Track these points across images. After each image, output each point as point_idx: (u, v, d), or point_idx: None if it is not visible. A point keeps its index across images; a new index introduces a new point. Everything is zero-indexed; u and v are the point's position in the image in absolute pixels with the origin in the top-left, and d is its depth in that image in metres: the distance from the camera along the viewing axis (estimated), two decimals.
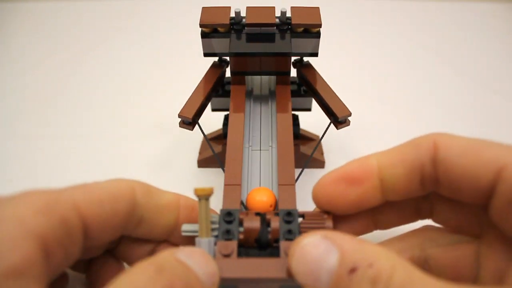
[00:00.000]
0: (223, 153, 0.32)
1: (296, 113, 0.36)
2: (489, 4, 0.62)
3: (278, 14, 0.30)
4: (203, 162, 0.38)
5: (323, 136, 0.31)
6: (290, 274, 0.18)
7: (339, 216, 0.23)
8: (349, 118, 0.30)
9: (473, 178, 0.19)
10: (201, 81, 0.32)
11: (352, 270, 0.16)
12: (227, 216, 0.21)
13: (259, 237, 0.21)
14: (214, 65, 0.33)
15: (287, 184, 0.24)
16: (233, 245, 0.20)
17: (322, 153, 0.38)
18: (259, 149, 0.29)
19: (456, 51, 0.54)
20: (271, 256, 0.20)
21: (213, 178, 0.37)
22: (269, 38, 0.30)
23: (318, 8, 0.30)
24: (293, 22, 0.29)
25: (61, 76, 0.49)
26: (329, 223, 0.22)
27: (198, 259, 0.18)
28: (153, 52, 0.54)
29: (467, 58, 0.52)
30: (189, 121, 0.29)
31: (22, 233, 0.17)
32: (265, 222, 0.21)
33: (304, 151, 0.36)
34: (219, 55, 0.32)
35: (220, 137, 0.37)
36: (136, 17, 0.61)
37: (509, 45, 0.55)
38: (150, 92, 0.47)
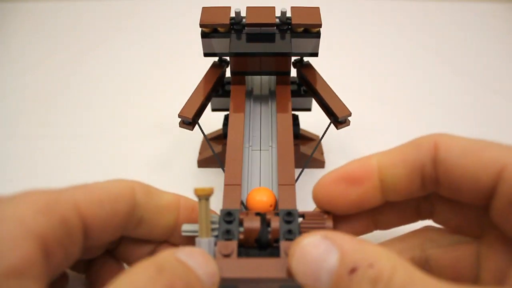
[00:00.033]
0: (223, 153, 0.31)
1: (296, 113, 0.36)
2: (489, 4, 0.62)
3: (278, 14, 0.30)
4: (203, 162, 0.38)
5: (323, 136, 0.31)
6: (290, 274, 0.18)
7: (339, 216, 0.23)
8: (349, 118, 0.30)
9: (473, 179, 0.19)
10: (201, 81, 0.32)
11: (352, 270, 0.16)
12: (227, 216, 0.21)
13: (259, 237, 0.21)
14: (214, 65, 0.33)
15: (287, 184, 0.24)
16: (233, 245, 0.20)
17: (322, 153, 0.38)
18: (259, 149, 0.29)
19: (456, 51, 0.54)
20: (271, 256, 0.20)
21: (213, 178, 0.37)
22: (269, 38, 0.30)
23: (318, 8, 0.30)
24: (293, 22, 0.29)
25: (61, 76, 0.49)
26: (329, 223, 0.22)
27: (198, 259, 0.18)
28: (153, 52, 0.54)
29: (467, 58, 0.52)
30: (189, 121, 0.29)
31: (22, 233, 0.17)
32: (265, 222, 0.21)
33: (304, 151, 0.36)
34: (219, 55, 0.32)
35: (220, 137, 0.37)
36: (136, 17, 0.61)
37: (509, 45, 0.55)
38: (150, 92, 0.47)
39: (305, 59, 0.33)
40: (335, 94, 0.30)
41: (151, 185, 0.23)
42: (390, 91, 0.47)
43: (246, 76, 0.32)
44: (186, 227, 0.22)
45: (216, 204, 0.23)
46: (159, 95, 0.46)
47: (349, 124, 0.30)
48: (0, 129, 0.42)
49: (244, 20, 0.30)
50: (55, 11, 0.61)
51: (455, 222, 0.23)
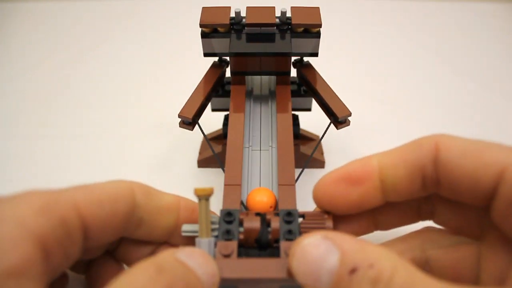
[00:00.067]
0: (223, 153, 0.31)
1: (296, 113, 0.36)
2: (489, 4, 0.62)
3: (278, 14, 0.30)
4: (203, 162, 0.37)
5: (323, 136, 0.31)
6: (290, 274, 0.18)
7: (340, 216, 0.23)
8: (349, 118, 0.30)
9: (474, 180, 0.19)
10: (201, 81, 0.32)
11: (353, 271, 0.16)
12: (227, 216, 0.21)
13: (259, 237, 0.21)
14: (214, 65, 0.33)
15: (287, 184, 0.24)
16: (233, 245, 0.20)
17: (322, 153, 0.38)
18: (259, 149, 0.29)
19: (456, 51, 0.54)
20: (271, 257, 0.20)
21: (213, 178, 0.37)
22: (269, 38, 0.30)
23: (318, 8, 0.30)
24: (293, 22, 0.29)
25: (61, 76, 0.49)
26: (330, 223, 0.22)
27: (198, 259, 0.18)
28: (153, 52, 0.54)
29: (467, 58, 0.52)
30: (189, 121, 0.29)
31: (21, 233, 0.17)
32: (265, 222, 0.21)
33: (304, 151, 0.36)
34: (219, 55, 0.32)
35: (220, 137, 0.37)
36: (136, 17, 0.61)
37: (509, 45, 0.55)
38: (150, 92, 0.47)
39: (305, 59, 0.33)
40: (335, 94, 0.30)
41: (151, 186, 0.23)
42: (390, 91, 0.47)
43: (246, 76, 0.32)
44: (186, 227, 0.22)
45: (216, 204, 0.23)
46: (159, 95, 0.46)
47: (349, 124, 0.30)
48: (0, 129, 0.42)
49: (244, 20, 0.30)
50: (55, 11, 0.61)
51: (455, 223, 0.23)
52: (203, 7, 0.31)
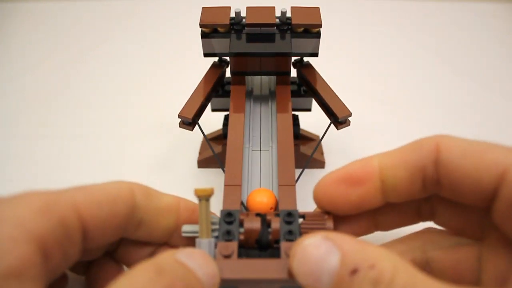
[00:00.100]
0: (223, 153, 0.31)
1: (296, 113, 0.36)
2: (489, 4, 0.62)
3: (278, 14, 0.30)
4: (203, 162, 0.37)
5: (323, 136, 0.31)
6: (291, 275, 0.18)
7: (340, 217, 0.23)
8: (349, 118, 0.30)
9: (475, 181, 0.19)
10: (201, 81, 0.32)
11: (353, 271, 0.16)
12: (228, 216, 0.21)
13: (259, 238, 0.21)
14: (214, 65, 0.33)
15: (287, 185, 0.24)
16: (233, 246, 0.20)
17: (322, 153, 0.38)
18: (259, 149, 0.28)
19: (456, 51, 0.54)
20: (271, 257, 0.20)
21: (213, 179, 0.37)
22: (269, 38, 0.30)
23: (318, 8, 0.30)
24: (293, 22, 0.29)
25: (61, 76, 0.49)
26: (330, 223, 0.22)
27: (199, 260, 0.18)
28: (153, 52, 0.54)
29: (467, 58, 0.52)
30: (189, 121, 0.29)
31: (21, 234, 0.17)
32: (266, 223, 0.21)
33: (304, 151, 0.36)
34: (219, 55, 0.32)
35: (220, 137, 0.37)
36: (136, 17, 0.60)
37: (509, 45, 0.55)
38: (150, 92, 0.47)
39: (305, 59, 0.33)
40: (335, 94, 0.30)
41: (151, 187, 0.22)
42: (390, 91, 0.47)
43: (246, 76, 0.32)
44: (186, 227, 0.22)
45: (216, 205, 0.23)
46: (159, 95, 0.46)
47: (349, 124, 0.30)
48: (0, 129, 0.42)
49: (244, 20, 0.30)
50: (55, 11, 0.61)
51: (456, 224, 0.23)
52: (203, 7, 0.31)
